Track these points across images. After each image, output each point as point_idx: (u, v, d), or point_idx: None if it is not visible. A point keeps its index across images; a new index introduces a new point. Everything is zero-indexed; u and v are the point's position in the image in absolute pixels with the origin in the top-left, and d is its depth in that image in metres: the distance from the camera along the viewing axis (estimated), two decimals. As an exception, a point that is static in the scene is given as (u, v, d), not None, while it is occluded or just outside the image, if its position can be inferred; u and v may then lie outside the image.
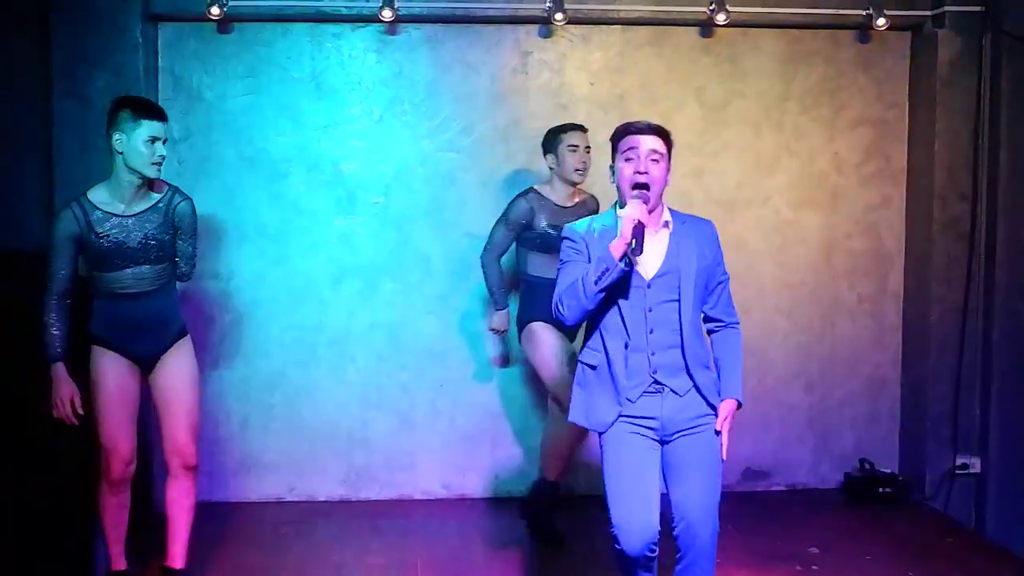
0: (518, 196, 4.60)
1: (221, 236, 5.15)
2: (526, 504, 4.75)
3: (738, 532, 4.79)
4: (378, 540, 4.69)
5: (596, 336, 3.23)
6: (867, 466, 5.33)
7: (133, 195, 3.68)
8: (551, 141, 4.58)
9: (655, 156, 3.14)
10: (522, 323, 4.62)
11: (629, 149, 3.15)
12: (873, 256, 5.44)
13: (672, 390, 3.17)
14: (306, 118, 5.16)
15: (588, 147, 4.55)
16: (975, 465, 5.19)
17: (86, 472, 4.04)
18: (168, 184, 3.84)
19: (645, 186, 3.10)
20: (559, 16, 4.96)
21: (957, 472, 5.20)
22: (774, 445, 5.46)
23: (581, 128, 4.60)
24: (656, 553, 3.18)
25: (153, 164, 3.63)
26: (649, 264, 3.16)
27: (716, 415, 3.21)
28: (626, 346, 3.16)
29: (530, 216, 4.53)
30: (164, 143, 3.68)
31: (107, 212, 3.66)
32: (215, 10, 4.80)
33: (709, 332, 3.34)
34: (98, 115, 4.71)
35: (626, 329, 3.15)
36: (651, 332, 3.15)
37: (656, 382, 3.16)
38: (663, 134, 3.21)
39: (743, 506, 5.21)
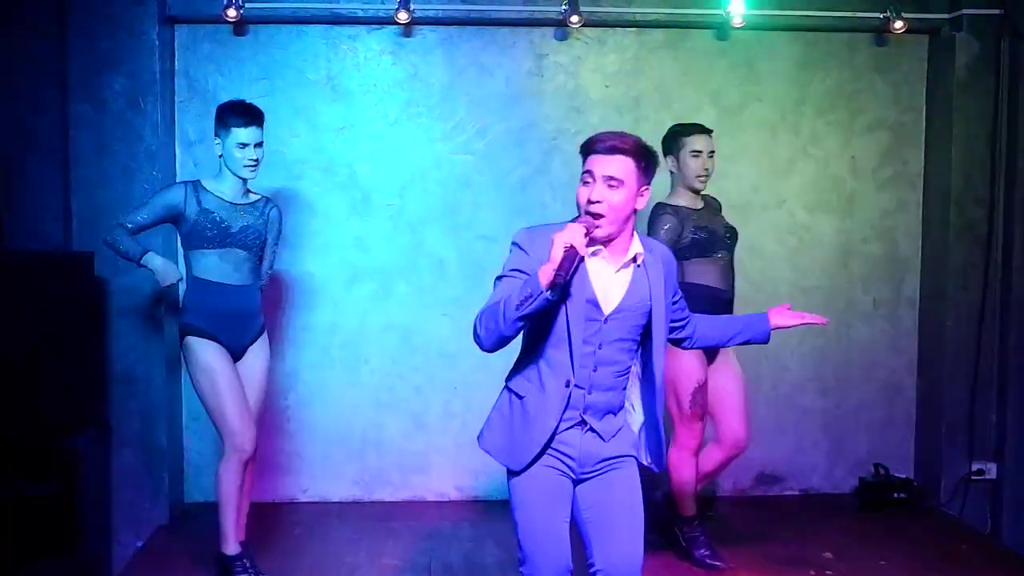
0: (657, 216, 4.22)
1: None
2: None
3: (752, 537, 4.79)
4: (391, 542, 4.70)
5: (533, 366, 2.91)
6: (882, 471, 5.31)
7: (236, 190, 4.00)
8: (672, 142, 4.33)
9: (612, 182, 2.77)
10: None
11: (586, 172, 2.83)
12: (889, 261, 5.42)
13: (595, 431, 2.91)
14: (321, 120, 5.17)
15: (712, 151, 4.33)
16: (991, 471, 5.16)
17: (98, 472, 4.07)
18: (263, 195, 4.18)
19: (596, 215, 2.76)
20: (574, 19, 4.95)
21: (973, 478, 5.17)
22: (788, 449, 5.45)
23: (706, 131, 4.34)
24: None
25: (245, 167, 3.91)
26: (610, 297, 2.85)
27: (635, 458, 2.98)
28: (567, 384, 2.85)
29: (679, 229, 4.21)
30: (258, 147, 3.92)
31: (214, 194, 3.96)
32: (231, 12, 4.81)
33: (683, 341, 3.18)
34: (114, 118, 4.77)
35: (572, 367, 2.84)
36: (595, 370, 2.87)
37: (583, 420, 2.89)
38: (634, 153, 2.80)
39: (756, 511, 5.21)
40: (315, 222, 5.20)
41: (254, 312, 4.14)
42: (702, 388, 4.27)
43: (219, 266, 3.97)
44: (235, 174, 3.95)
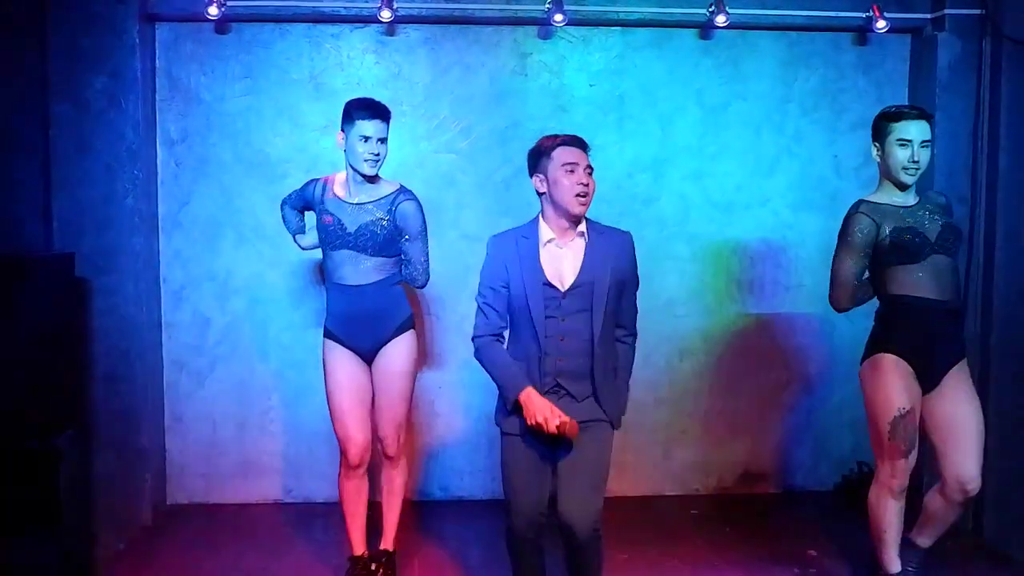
0: (851, 214, 3.78)
1: (219, 238, 5.15)
2: None
3: (735, 534, 4.80)
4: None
5: (513, 345, 3.45)
6: (864, 469, 5.33)
7: (358, 188, 3.96)
8: (880, 129, 3.75)
9: (591, 170, 3.36)
10: (869, 350, 3.88)
11: (570, 164, 3.33)
12: (872, 259, 5.43)
13: (571, 394, 3.36)
14: (305, 119, 5.15)
15: (927, 141, 3.69)
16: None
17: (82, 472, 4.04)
18: (400, 185, 4.04)
19: (585, 196, 3.32)
20: (558, 17, 4.95)
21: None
22: (772, 447, 5.46)
23: (921, 115, 3.71)
24: (539, 535, 3.47)
25: (365, 161, 3.87)
26: (566, 274, 3.35)
27: (608, 422, 3.41)
28: (538, 354, 3.36)
29: (874, 231, 3.72)
30: (382, 142, 3.90)
31: (336, 196, 3.98)
32: (213, 10, 4.78)
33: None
34: (95, 117, 4.74)
35: (538, 340, 3.34)
36: (562, 340, 3.34)
37: (558, 385, 3.36)
38: (587, 148, 3.42)
39: (740, 508, 5.22)
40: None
41: (384, 314, 4.01)
42: (905, 418, 3.69)
43: (339, 266, 3.98)
44: (355, 168, 3.90)
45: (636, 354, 3.57)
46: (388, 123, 3.95)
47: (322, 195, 4.00)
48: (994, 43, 4.99)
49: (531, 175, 3.44)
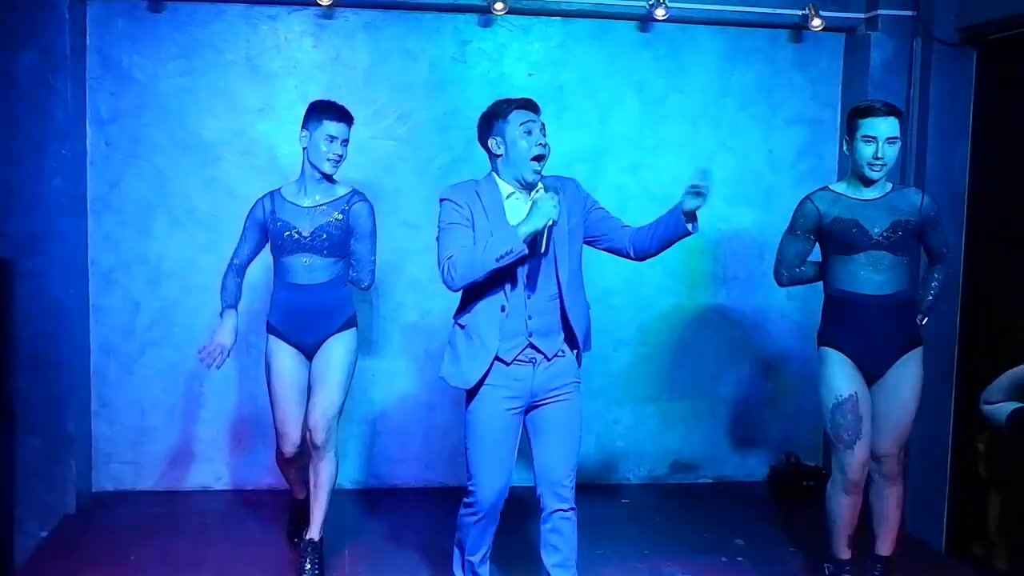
0: (803, 199, 3.93)
1: (151, 221, 5.05)
2: None
3: (666, 524, 4.87)
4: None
5: (475, 301, 3.37)
6: (792, 460, 5.43)
7: (314, 187, 4.02)
8: (849, 125, 3.80)
9: (545, 130, 3.42)
10: (818, 343, 3.99)
11: (528, 122, 3.38)
12: (804, 253, 5.52)
13: (544, 355, 3.37)
14: (241, 102, 5.07)
15: (893, 137, 3.70)
16: (896, 459, 5.29)
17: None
18: (353, 187, 4.12)
19: (543, 157, 3.37)
20: (499, 6, 4.94)
21: (879, 466, 5.30)
22: (703, 438, 5.54)
23: (889, 111, 3.71)
24: (500, 507, 3.47)
25: (328, 160, 3.95)
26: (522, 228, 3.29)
27: (579, 378, 3.49)
28: (503, 309, 3.33)
29: (816, 218, 3.85)
30: (344, 144, 4.00)
31: (290, 202, 4.02)
32: (147, -13, 4.68)
33: (627, 252, 3.57)
34: (23, 94, 4.62)
35: (505, 294, 3.33)
36: (529, 297, 3.35)
37: (531, 346, 3.35)
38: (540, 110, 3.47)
39: (671, 498, 5.29)
40: (234, 206, 5.07)
41: (331, 311, 4.07)
42: (842, 406, 3.76)
43: (293, 267, 4.04)
44: (317, 167, 3.97)
45: None
46: (351, 127, 4.05)
47: (272, 207, 4.04)
48: (924, 44, 5.10)
49: (484, 140, 3.49)
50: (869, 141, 3.70)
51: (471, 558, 3.55)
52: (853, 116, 3.78)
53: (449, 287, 3.32)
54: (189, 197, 5.06)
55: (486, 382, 3.37)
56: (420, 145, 5.19)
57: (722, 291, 5.49)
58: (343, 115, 4.01)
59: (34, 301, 4.69)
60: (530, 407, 3.44)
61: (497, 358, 3.34)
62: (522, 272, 3.33)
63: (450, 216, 3.37)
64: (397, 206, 5.18)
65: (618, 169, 5.35)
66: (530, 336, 3.36)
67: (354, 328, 4.13)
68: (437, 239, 3.42)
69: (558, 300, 3.39)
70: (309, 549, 4.10)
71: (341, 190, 4.07)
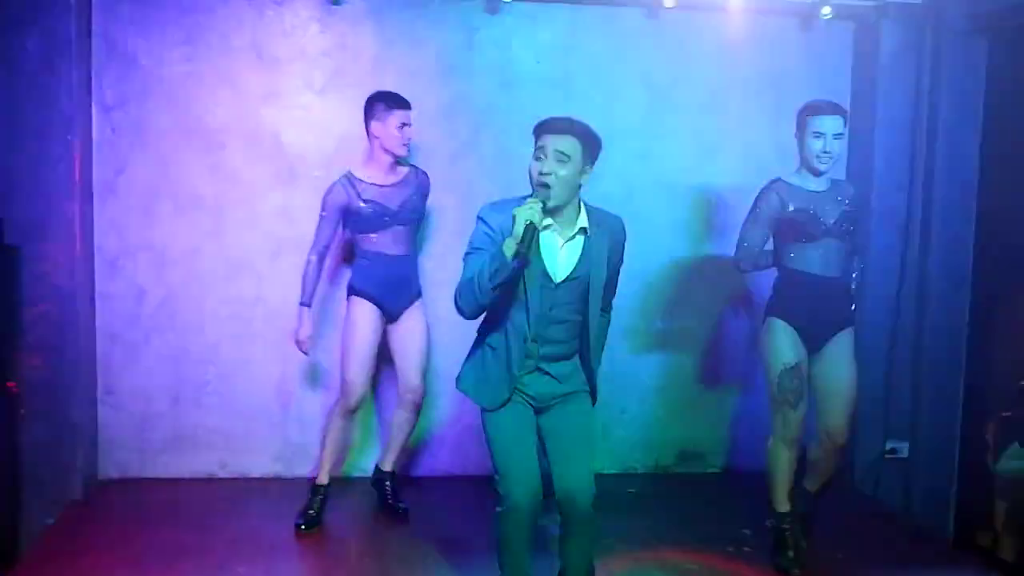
0: (764, 189, 4.25)
1: (156, 208, 5.03)
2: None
3: (672, 513, 4.85)
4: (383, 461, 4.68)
5: (501, 325, 3.38)
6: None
7: (389, 170, 4.53)
8: (800, 122, 4.19)
9: (562, 157, 3.22)
10: (765, 315, 4.35)
11: (539, 148, 3.26)
12: (811, 243, 5.50)
13: (550, 374, 3.41)
14: (246, 88, 5.04)
15: (839, 134, 4.11)
16: (903, 450, 5.29)
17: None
18: (411, 163, 4.66)
19: (546, 185, 3.21)
20: (506, -8, 4.93)
21: (886, 456, 5.30)
22: (709, 427, 5.52)
23: (834, 110, 4.11)
24: (538, 514, 3.37)
25: (403, 145, 4.47)
26: (560, 266, 3.32)
27: (589, 392, 3.49)
28: (524, 340, 3.34)
29: (779, 207, 4.16)
30: (410, 127, 4.49)
31: (371, 183, 4.49)
32: (152, -27, 4.66)
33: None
34: (27, 80, 4.59)
35: (529, 325, 3.33)
36: (547, 328, 3.35)
37: (538, 369, 3.39)
38: (580, 135, 3.27)
39: (677, 488, 5.28)
40: (238, 192, 5.08)
41: (411, 279, 4.66)
42: (790, 372, 4.15)
43: (382, 240, 4.54)
44: (392, 152, 4.46)
45: None
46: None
47: (355, 190, 4.47)
48: (935, 33, 5.07)
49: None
50: (818, 136, 4.09)
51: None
52: (804, 114, 4.16)
53: (463, 316, 3.31)
54: (194, 184, 5.04)
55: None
56: (426, 133, 5.15)
57: (729, 281, 5.46)
58: (407, 103, 4.48)
59: (39, 287, 4.67)
60: (539, 410, 3.45)
61: (511, 374, 3.40)
62: (548, 303, 3.33)
63: (474, 239, 3.33)
64: (403, 194, 5.15)
65: (625, 157, 5.31)
66: (539, 361, 3.40)
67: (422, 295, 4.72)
68: (463, 258, 3.37)
69: (576, 335, 3.42)
70: (389, 480, 4.74)
71: (404, 168, 4.60)
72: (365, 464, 5.22)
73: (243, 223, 5.10)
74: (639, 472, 5.46)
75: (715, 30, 5.31)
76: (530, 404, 3.44)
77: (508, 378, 3.37)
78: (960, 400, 5.15)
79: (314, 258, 4.51)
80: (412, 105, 4.48)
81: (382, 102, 4.44)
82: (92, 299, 4.97)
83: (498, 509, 3.35)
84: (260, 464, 5.20)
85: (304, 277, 4.52)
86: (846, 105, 5.37)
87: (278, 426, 5.21)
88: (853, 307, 4.38)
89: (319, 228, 4.50)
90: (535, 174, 3.25)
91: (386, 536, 4.48)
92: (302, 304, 4.53)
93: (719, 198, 5.42)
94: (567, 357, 3.43)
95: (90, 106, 4.89)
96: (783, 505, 4.28)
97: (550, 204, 3.22)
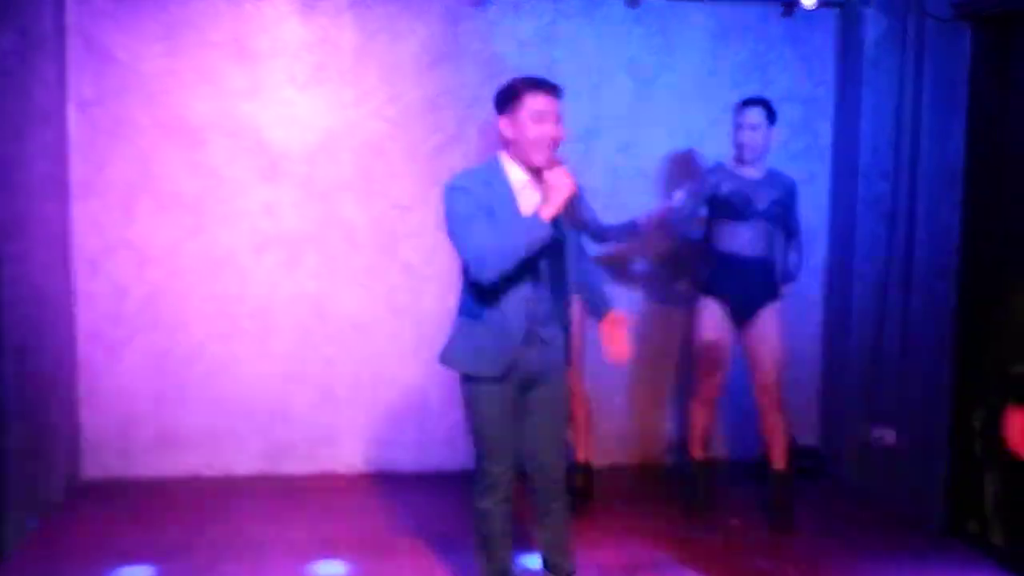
0: (705, 170, 4.79)
1: (135, 205, 4.97)
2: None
3: (660, 504, 4.84)
4: (299, 516, 4.62)
5: (489, 292, 3.23)
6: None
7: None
8: (733, 115, 4.60)
9: (561, 119, 3.27)
10: (697, 291, 4.85)
11: (544, 112, 3.21)
12: (798, 232, 5.49)
13: (543, 340, 3.33)
14: (226, 83, 4.99)
15: (757, 125, 4.54)
16: (891, 438, 5.28)
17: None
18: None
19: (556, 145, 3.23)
20: (489, -17, 4.90)
21: (874, 444, 5.29)
22: (698, 419, 5.50)
23: (752, 103, 4.56)
24: (511, 490, 3.39)
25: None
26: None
27: (566, 362, 3.45)
28: (526, 299, 3.26)
29: (712, 186, 4.59)
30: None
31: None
32: (129, -33, 4.59)
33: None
34: (3, 77, 4.47)
35: (532, 284, 3.25)
36: (548, 287, 3.32)
37: (533, 331, 3.29)
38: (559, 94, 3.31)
39: (667, 478, 5.26)
40: (221, 189, 5.03)
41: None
42: (709, 347, 4.65)
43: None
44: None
45: None
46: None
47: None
48: (918, 20, 5.05)
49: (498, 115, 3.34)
50: (739, 128, 4.54)
51: (503, 563, 3.44)
52: (735, 110, 4.58)
53: (482, 282, 3.16)
54: (175, 180, 4.99)
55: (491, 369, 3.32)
56: (411, 126, 5.12)
57: (715, 271, 5.44)
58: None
59: (18, 287, 4.58)
60: (523, 387, 3.36)
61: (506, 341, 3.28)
62: (544, 261, 3.26)
63: (464, 207, 3.19)
64: (388, 188, 5.12)
65: (609, 147, 5.29)
66: (534, 323, 3.29)
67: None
68: (452, 233, 3.21)
69: (563, 285, 3.38)
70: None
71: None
72: (352, 460, 5.18)
73: (225, 220, 5.05)
74: (627, 464, 5.44)
75: (698, 18, 5.29)
76: (518, 383, 3.34)
77: (508, 340, 3.24)
78: (947, 387, 5.15)
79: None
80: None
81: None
82: (72, 298, 4.91)
83: (478, 487, 3.38)
84: (246, 462, 5.15)
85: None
86: (829, 95, 5.41)
87: (264, 424, 5.16)
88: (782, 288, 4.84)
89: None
90: (553, 135, 3.21)
91: (379, 532, 4.45)
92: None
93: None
94: (554, 318, 3.36)
95: (68, 102, 4.83)
96: (698, 452, 4.81)
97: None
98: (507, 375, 3.28)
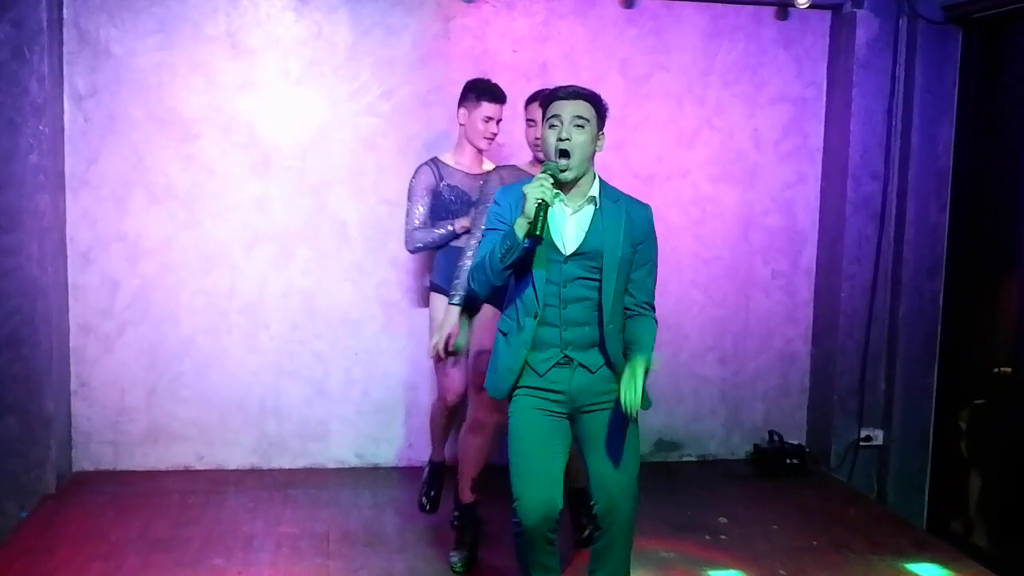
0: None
1: (129, 198, 4.98)
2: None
3: (649, 502, 4.83)
4: (289, 510, 4.63)
5: (512, 307, 3.17)
6: (776, 438, 5.45)
7: (472, 160, 4.34)
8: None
9: (579, 121, 3.04)
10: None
11: (552, 116, 3.07)
12: (788, 233, 5.53)
13: (582, 365, 3.12)
14: (220, 78, 4.99)
15: (498, 121, 4.31)
16: (878, 438, 5.33)
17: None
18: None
19: (566, 153, 3.02)
20: (482, -19, 4.90)
21: (861, 444, 5.34)
22: (687, 417, 5.54)
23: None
24: (555, 533, 3.14)
25: (485, 139, 4.27)
26: (569, 239, 3.09)
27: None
28: (535, 317, 3.09)
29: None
30: (498, 123, 4.28)
31: (455, 168, 4.31)
32: (124, -39, 4.60)
33: (625, 317, 3.18)
34: (-3, 69, 4.51)
35: (538, 302, 3.09)
36: (565, 308, 3.09)
37: (566, 357, 3.11)
38: (592, 99, 3.10)
39: (655, 477, 5.26)
40: (213, 183, 5.04)
41: None
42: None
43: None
44: (474, 144, 4.28)
45: None
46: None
47: (439, 173, 4.34)
48: (910, 23, 5.10)
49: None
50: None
51: None
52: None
53: (477, 296, 3.23)
54: (168, 174, 4.99)
55: (520, 385, 3.15)
56: (403, 122, 5.14)
57: (705, 270, 5.48)
58: (499, 95, 4.28)
59: (11, 279, 4.62)
60: (575, 414, 3.15)
61: (530, 366, 3.12)
62: (557, 277, 3.08)
63: (489, 219, 3.17)
64: (379, 184, 5.14)
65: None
66: (565, 348, 3.11)
67: None
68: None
69: (597, 316, 3.10)
70: None
71: (489, 166, 4.38)
72: (340, 455, 5.21)
73: (218, 214, 5.06)
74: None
75: (691, 19, 5.32)
76: (561, 407, 3.14)
77: (514, 361, 3.12)
78: (934, 388, 5.20)
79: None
80: (505, 99, 4.27)
81: (473, 91, 4.25)
82: (65, 290, 4.92)
83: (513, 519, 3.13)
84: (237, 456, 5.17)
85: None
86: (820, 96, 5.44)
87: (254, 418, 5.18)
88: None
89: (408, 214, 4.31)
90: (552, 142, 3.04)
91: (366, 526, 4.47)
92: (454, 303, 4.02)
93: (696, 189, 5.43)
94: (597, 343, 3.12)
95: (62, 96, 4.83)
96: (466, 496, 4.09)
97: (570, 175, 3.04)
98: (547, 405, 3.12)
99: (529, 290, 3.10)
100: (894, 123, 5.17)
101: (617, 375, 3.08)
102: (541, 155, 3.19)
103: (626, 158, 5.34)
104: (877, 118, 5.21)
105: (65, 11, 4.81)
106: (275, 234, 5.09)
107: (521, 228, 2.95)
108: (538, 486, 3.07)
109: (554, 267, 3.09)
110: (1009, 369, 4.69)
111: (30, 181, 4.60)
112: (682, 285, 5.44)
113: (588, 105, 3.08)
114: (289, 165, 5.07)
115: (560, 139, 3.03)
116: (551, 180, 2.98)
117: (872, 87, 5.20)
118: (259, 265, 5.09)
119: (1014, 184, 4.69)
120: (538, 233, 2.93)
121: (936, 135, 5.04)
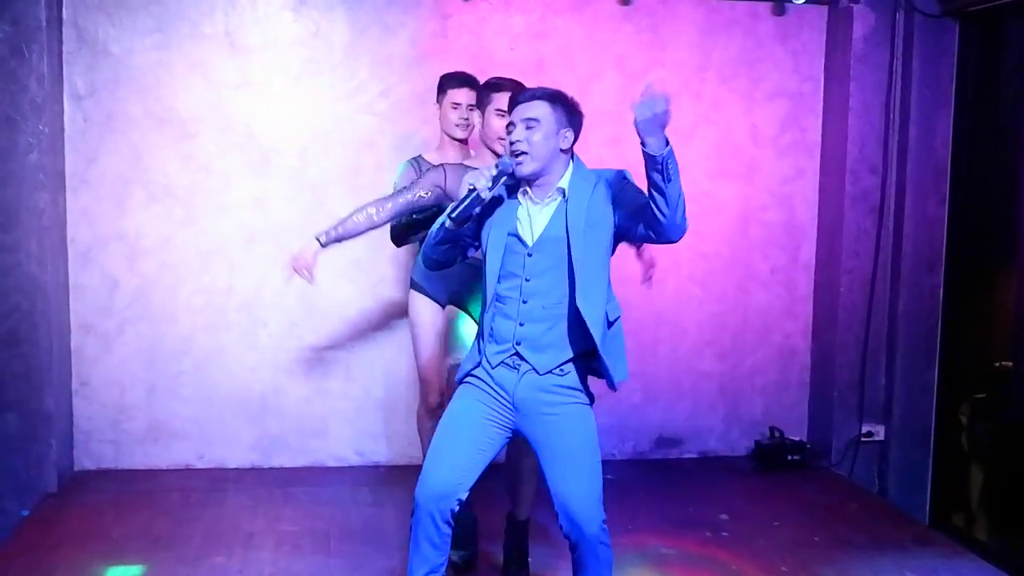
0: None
1: (127, 197, 4.99)
2: None
3: (650, 499, 4.86)
4: (290, 508, 4.64)
5: (487, 297, 3.10)
6: (776, 434, 5.44)
7: (457, 154, 4.13)
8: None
9: (531, 123, 3.00)
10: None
11: (509, 123, 3.07)
12: (786, 227, 5.52)
13: (533, 368, 3.01)
14: (218, 76, 5.01)
15: (469, 107, 4.14)
16: (879, 433, 5.33)
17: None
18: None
19: (522, 153, 2.99)
20: (479, -22, 4.90)
21: (862, 439, 5.33)
22: (686, 413, 5.54)
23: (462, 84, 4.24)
24: (448, 523, 3.03)
25: (456, 126, 4.13)
26: (536, 231, 3.02)
27: (585, 397, 3.09)
28: (494, 310, 3.05)
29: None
30: (471, 108, 4.06)
31: (437, 165, 3.98)
32: (122, -40, 4.61)
33: (659, 229, 3.06)
34: (-5, 67, 4.52)
35: (497, 294, 3.04)
36: (524, 302, 3.01)
37: (517, 354, 3.02)
38: (545, 97, 3.05)
39: (655, 473, 5.29)
40: (211, 182, 5.05)
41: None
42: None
43: None
44: (448, 133, 4.14)
45: None
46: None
47: (420, 170, 4.12)
48: (907, 17, 5.10)
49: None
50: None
51: None
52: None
53: (425, 266, 3.24)
54: (166, 173, 5.00)
55: (472, 373, 3.10)
56: (401, 120, 5.14)
57: (703, 265, 5.47)
58: (466, 81, 4.19)
59: (11, 277, 4.63)
60: (522, 421, 3.04)
61: (485, 358, 3.06)
62: (520, 271, 3.01)
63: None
64: (377, 182, 5.10)
65: (599, 144, 5.27)
66: (518, 344, 3.01)
67: None
68: None
69: (563, 311, 3.00)
70: None
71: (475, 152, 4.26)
72: (340, 453, 5.21)
73: (216, 212, 5.06)
74: (617, 459, 5.47)
75: (688, 15, 5.32)
76: (504, 415, 3.05)
77: (479, 353, 3.08)
78: (935, 382, 5.20)
79: (371, 211, 3.90)
80: (476, 85, 4.10)
81: (441, 80, 4.21)
82: (65, 289, 4.93)
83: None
84: (237, 454, 5.17)
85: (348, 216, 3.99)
86: (818, 91, 5.44)
87: (254, 416, 5.18)
88: None
89: (386, 199, 3.98)
90: (507, 145, 3.05)
91: (367, 525, 4.47)
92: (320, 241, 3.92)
93: (694, 185, 5.41)
94: (556, 346, 3.00)
95: (61, 95, 4.84)
96: None
97: (525, 172, 2.99)
98: (491, 396, 3.05)
99: (493, 281, 3.05)
100: (892, 117, 5.17)
101: (576, 375, 3.05)
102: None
103: (623, 154, 5.30)
104: (875, 112, 5.21)
105: (64, 11, 4.82)
106: (273, 232, 5.10)
107: (451, 211, 3.00)
108: (444, 466, 3.00)
109: (517, 259, 3.01)
110: (1010, 363, 4.68)
111: (29, 179, 4.61)
112: (680, 280, 5.43)
113: (543, 104, 3.03)
114: (287, 163, 5.08)
115: (513, 142, 3.01)
116: (495, 172, 2.99)
117: (869, 81, 5.20)
118: (257, 262, 5.09)
119: (1013, 176, 4.68)
120: (454, 216, 2.98)
121: (934, 128, 5.04)
